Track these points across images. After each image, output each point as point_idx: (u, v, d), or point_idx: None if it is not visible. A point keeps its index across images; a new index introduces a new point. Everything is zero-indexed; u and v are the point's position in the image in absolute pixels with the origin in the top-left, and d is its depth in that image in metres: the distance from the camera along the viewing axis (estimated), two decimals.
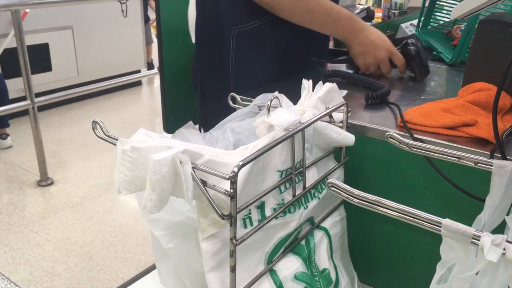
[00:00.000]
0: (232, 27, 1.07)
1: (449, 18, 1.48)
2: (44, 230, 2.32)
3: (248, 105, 0.88)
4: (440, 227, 0.51)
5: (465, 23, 1.25)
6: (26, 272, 2.03)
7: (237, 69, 1.11)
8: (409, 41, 1.09)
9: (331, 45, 1.83)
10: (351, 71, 1.13)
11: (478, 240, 0.48)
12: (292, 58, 1.15)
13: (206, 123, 1.17)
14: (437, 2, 1.50)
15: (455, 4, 1.46)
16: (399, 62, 1.09)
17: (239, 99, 0.93)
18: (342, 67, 1.21)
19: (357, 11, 2.20)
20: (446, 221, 0.50)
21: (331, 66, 1.25)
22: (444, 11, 1.51)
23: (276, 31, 1.10)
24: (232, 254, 0.61)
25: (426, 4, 1.51)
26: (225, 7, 1.07)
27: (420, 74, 1.09)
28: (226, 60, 1.10)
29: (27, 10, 3.47)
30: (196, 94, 1.24)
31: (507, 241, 0.47)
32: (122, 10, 3.95)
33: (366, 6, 2.30)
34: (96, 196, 2.62)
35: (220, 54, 1.11)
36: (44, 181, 2.77)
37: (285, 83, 1.00)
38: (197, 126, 1.19)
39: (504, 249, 0.47)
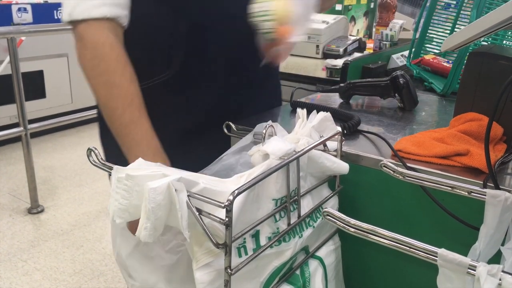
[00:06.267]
0: (140, 83, 0.90)
1: (439, 50, 1.52)
2: (33, 258, 2.28)
3: (243, 133, 0.89)
4: (436, 257, 0.51)
5: (455, 55, 1.28)
6: None
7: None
8: (398, 73, 1.12)
9: (323, 75, 1.87)
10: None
11: (475, 270, 0.48)
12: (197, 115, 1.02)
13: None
14: (427, 34, 1.54)
15: (445, 37, 1.50)
16: None
17: (234, 127, 0.94)
18: (334, 96, 1.23)
19: (349, 42, 2.24)
20: (442, 251, 0.50)
21: (321, 97, 1.27)
22: (434, 43, 1.54)
23: (175, 88, 0.98)
24: (227, 284, 0.60)
25: (417, 36, 1.55)
26: (135, 65, 0.89)
27: (409, 105, 1.13)
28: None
29: (23, 38, 3.49)
30: None
31: (503, 271, 0.47)
32: None
33: (357, 37, 2.35)
34: (87, 223, 2.58)
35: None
36: (35, 208, 2.73)
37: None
38: None
39: (500, 279, 0.47)
